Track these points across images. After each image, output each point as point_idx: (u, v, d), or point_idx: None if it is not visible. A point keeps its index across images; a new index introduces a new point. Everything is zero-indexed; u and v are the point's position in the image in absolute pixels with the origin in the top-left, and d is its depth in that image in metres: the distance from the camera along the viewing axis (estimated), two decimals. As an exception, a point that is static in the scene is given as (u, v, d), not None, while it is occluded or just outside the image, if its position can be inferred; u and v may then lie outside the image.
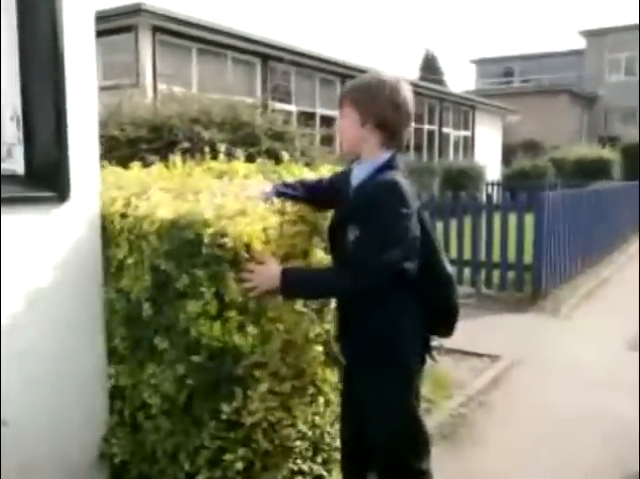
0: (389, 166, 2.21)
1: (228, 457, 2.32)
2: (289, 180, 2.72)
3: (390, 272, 2.08)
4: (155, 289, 2.41)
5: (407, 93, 2.23)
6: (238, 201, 2.35)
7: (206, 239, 2.18)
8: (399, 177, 2.17)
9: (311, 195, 2.52)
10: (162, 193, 2.55)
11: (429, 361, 2.43)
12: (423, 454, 2.34)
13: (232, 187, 2.58)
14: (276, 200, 2.43)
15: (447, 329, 2.42)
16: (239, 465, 2.32)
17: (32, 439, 2.49)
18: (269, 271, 2.21)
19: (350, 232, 2.18)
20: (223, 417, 2.29)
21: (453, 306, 2.37)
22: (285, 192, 2.49)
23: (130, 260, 2.49)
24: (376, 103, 2.19)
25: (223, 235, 2.17)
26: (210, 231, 2.18)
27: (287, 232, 2.38)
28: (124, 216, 2.54)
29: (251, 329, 2.25)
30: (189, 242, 2.24)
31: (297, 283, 2.23)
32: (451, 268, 2.39)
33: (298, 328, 2.44)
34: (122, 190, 2.70)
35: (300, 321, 2.45)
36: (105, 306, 2.68)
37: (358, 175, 2.29)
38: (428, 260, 2.23)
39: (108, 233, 2.63)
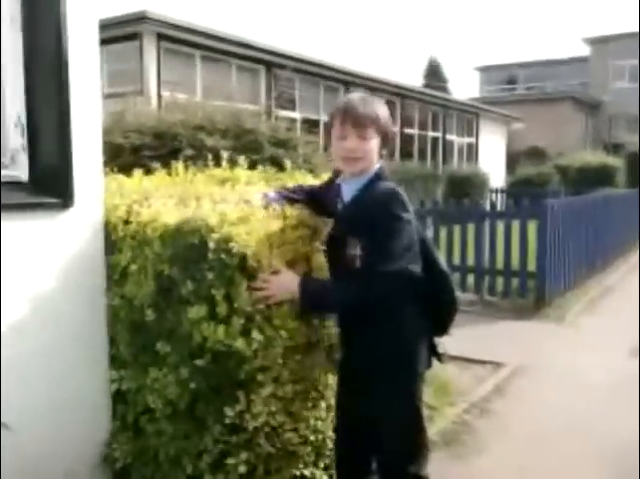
0: (379, 176, 2.27)
1: (231, 461, 2.33)
2: (289, 185, 2.76)
3: (401, 278, 2.12)
4: (158, 295, 2.42)
5: None
6: (239, 207, 2.36)
7: (212, 245, 2.20)
8: (393, 184, 2.24)
9: (309, 199, 2.57)
10: (164, 199, 2.57)
11: (433, 366, 2.46)
12: (423, 459, 2.38)
13: (233, 193, 2.59)
14: (277, 205, 2.45)
15: (443, 328, 2.45)
16: (242, 469, 2.33)
17: (32, 444, 2.50)
18: (284, 280, 2.26)
19: (350, 244, 2.21)
20: (227, 421, 2.30)
21: (451, 304, 2.43)
22: (286, 195, 2.54)
23: (133, 267, 2.51)
24: (391, 126, 2.32)
25: (228, 240, 2.19)
26: (216, 236, 2.20)
27: (290, 236, 2.40)
28: (127, 222, 2.55)
29: (256, 335, 2.26)
30: (194, 247, 2.25)
31: (316, 298, 2.27)
32: (446, 266, 2.45)
33: (300, 334, 2.45)
34: (123, 197, 2.72)
35: (301, 327, 2.46)
36: (109, 312, 2.69)
37: (350, 190, 2.32)
38: (426, 262, 2.28)
39: (111, 239, 2.65)
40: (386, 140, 2.28)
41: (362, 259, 2.18)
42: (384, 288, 2.14)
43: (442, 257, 2.46)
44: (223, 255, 2.20)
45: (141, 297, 2.48)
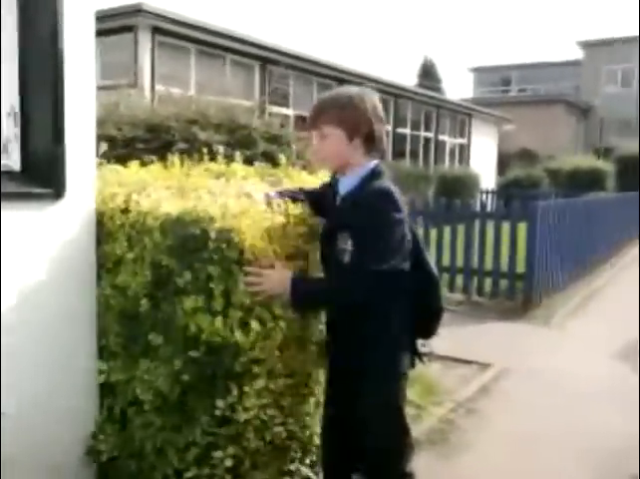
0: (376, 174, 2.26)
1: (218, 454, 2.32)
2: (289, 186, 2.76)
3: (391, 277, 2.12)
4: (154, 285, 2.41)
5: (379, 103, 2.32)
6: (241, 200, 2.37)
7: (213, 235, 2.20)
8: (389, 184, 2.22)
9: (311, 200, 2.55)
10: (163, 190, 2.57)
11: (419, 366, 2.47)
12: (408, 457, 2.40)
13: (231, 187, 2.60)
14: (279, 201, 2.44)
15: (427, 331, 2.46)
16: (228, 462, 2.33)
17: (16, 436, 2.48)
18: (279, 277, 2.25)
19: (340, 239, 2.22)
20: (217, 413, 2.30)
21: (438, 307, 2.44)
22: (289, 195, 2.52)
23: (129, 256, 2.49)
24: (362, 117, 2.24)
25: (230, 231, 2.19)
26: (217, 226, 2.20)
27: (290, 233, 2.41)
28: (125, 211, 2.54)
29: (255, 326, 2.26)
30: (195, 238, 2.24)
31: (306, 295, 2.27)
32: (436, 270, 2.45)
33: (296, 326, 2.46)
34: (122, 186, 2.71)
35: (298, 320, 2.47)
36: (99, 303, 2.68)
37: (345, 185, 2.31)
38: (416, 261, 2.29)
39: (105, 228, 2.62)
40: (349, 126, 2.22)
41: (352, 256, 2.18)
42: (374, 287, 2.13)
43: (432, 261, 2.45)
44: (224, 246, 2.20)
45: (135, 287, 2.46)
